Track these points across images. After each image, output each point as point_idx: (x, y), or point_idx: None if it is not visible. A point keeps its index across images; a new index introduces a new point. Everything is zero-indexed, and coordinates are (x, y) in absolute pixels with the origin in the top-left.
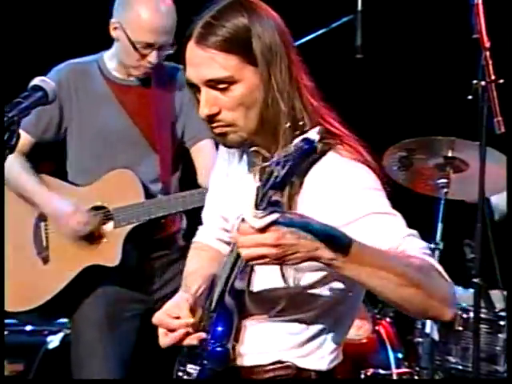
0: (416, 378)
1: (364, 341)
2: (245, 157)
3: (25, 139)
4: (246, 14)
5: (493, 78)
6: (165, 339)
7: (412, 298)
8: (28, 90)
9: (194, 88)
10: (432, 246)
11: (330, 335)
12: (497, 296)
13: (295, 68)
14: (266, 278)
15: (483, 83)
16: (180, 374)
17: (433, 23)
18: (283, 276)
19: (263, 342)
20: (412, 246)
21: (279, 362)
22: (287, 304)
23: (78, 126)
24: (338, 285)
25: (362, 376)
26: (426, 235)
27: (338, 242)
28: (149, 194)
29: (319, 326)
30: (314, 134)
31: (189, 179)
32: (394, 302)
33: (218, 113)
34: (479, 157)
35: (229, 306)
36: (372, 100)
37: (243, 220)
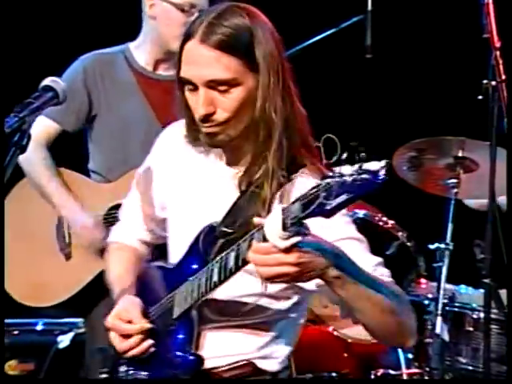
0: (426, 378)
1: (374, 341)
2: (192, 150)
3: (51, 128)
4: (248, 18)
5: (503, 77)
6: (122, 344)
7: (389, 324)
8: (39, 90)
9: (186, 86)
10: (442, 246)
11: (285, 339)
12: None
13: (288, 76)
14: (229, 287)
15: (493, 83)
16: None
17: (443, 23)
18: (263, 285)
19: (223, 346)
20: (384, 273)
21: (238, 361)
22: (249, 311)
23: (105, 115)
24: (293, 294)
25: (372, 376)
26: (436, 235)
27: (343, 262)
28: None
29: (276, 331)
30: (378, 167)
31: None
32: (371, 326)
33: (213, 113)
34: (490, 157)
35: (191, 313)
36: (382, 100)
37: (264, 239)
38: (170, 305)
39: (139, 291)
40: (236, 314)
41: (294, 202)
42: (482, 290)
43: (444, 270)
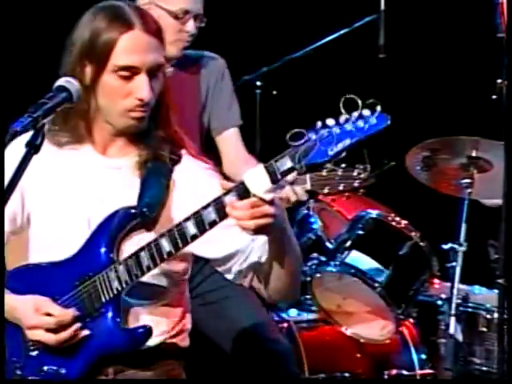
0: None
1: (387, 341)
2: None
3: None
4: None
5: None
6: (59, 336)
7: (297, 279)
8: (53, 90)
9: (118, 73)
10: (456, 246)
11: (188, 312)
12: None
13: None
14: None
15: (506, 82)
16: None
17: (456, 22)
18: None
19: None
20: None
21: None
22: (157, 292)
23: None
24: (187, 266)
25: (386, 376)
26: (450, 236)
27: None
28: None
29: (182, 306)
30: (374, 111)
31: None
32: (286, 280)
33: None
34: (504, 157)
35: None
36: (395, 99)
37: (241, 198)
38: (90, 291)
39: (31, 290)
40: (149, 297)
41: (280, 157)
42: (495, 291)
43: (457, 271)
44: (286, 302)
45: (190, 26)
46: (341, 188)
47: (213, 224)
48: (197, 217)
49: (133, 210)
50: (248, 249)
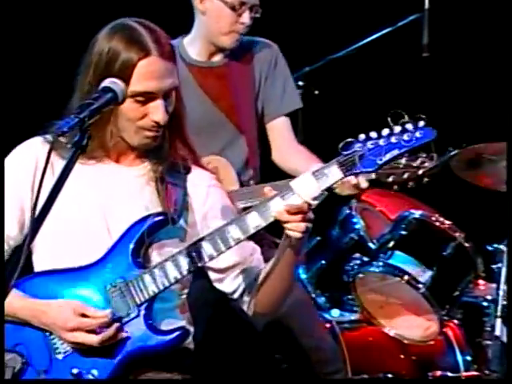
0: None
1: (431, 342)
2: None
3: None
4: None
5: None
6: (98, 337)
7: (285, 296)
8: (98, 91)
9: (134, 98)
10: (501, 247)
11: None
12: None
13: None
14: None
15: None
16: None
17: (501, 21)
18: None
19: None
20: None
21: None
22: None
23: None
24: None
25: (430, 378)
26: (495, 236)
27: None
28: (240, 181)
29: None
30: (419, 123)
31: None
32: (281, 293)
33: None
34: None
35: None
36: (439, 99)
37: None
38: (124, 294)
39: (54, 295)
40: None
41: (328, 165)
42: None
43: (503, 272)
44: (264, 318)
45: (246, 17)
46: (405, 177)
47: (257, 227)
48: (240, 221)
49: (162, 217)
50: (246, 262)
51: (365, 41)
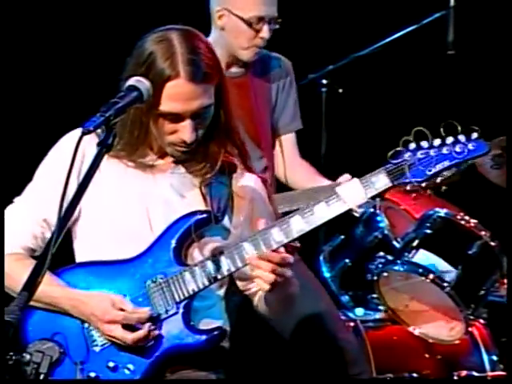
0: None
1: (456, 342)
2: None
3: None
4: (204, 39)
5: None
6: (134, 335)
7: None
8: (124, 90)
9: (166, 116)
10: None
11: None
12: None
13: None
14: None
15: None
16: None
17: None
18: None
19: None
20: None
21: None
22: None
23: None
24: None
25: (455, 377)
26: None
27: None
28: None
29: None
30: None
31: None
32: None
33: None
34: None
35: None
36: (464, 97)
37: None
38: (164, 290)
39: (94, 286)
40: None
41: (376, 173)
42: None
43: None
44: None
45: (265, 32)
46: (423, 185)
47: (301, 232)
48: (284, 224)
49: (206, 215)
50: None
51: (389, 39)
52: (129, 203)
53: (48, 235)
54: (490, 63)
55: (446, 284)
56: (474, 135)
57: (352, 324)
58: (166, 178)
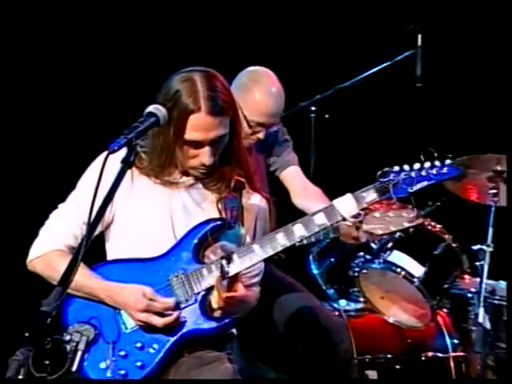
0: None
1: (424, 328)
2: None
3: None
4: (222, 79)
5: None
6: (163, 319)
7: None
8: (144, 115)
9: (189, 143)
10: (484, 247)
11: None
12: None
13: None
14: None
15: None
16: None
17: (484, 54)
18: None
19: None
20: None
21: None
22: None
23: None
24: None
25: (423, 358)
26: (479, 238)
27: None
28: None
29: None
30: (447, 162)
31: None
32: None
33: None
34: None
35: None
36: (430, 121)
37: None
38: (184, 283)
39: (124, 279)
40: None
41: (366, 189)
42: None
43: (485, 268)
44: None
45: (261, 134)
46: (392, 228)
47: (301, 237)
48: (287, 230)
49: (221, 221)
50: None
51: (367, 72)
52: (155, 211)
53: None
54: (453, 94)
55: (415, 279)
56: (448, 161)
57: (336, 313)
58: (187, 192)
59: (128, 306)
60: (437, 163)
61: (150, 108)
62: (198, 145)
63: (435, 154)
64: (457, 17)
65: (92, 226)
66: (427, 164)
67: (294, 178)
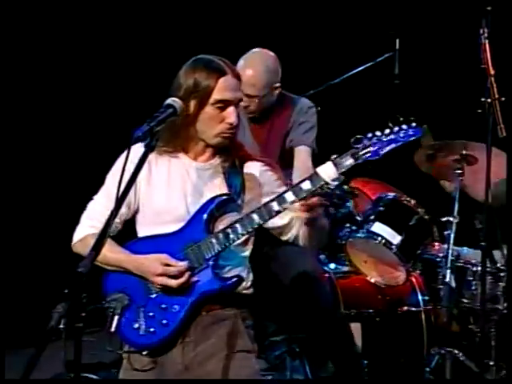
0: (438, 313)
1: (400, 287)
2: (161, 158)
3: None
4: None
5: (496, 96)
6: (177, 281)
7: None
8: (163, 106)
9: (216, 105)
10: (451, 218)
11: (251, 273)
12: (498, 255)
13: None
14: None
15: (489, 100)
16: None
17: (452, 56)
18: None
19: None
20: None
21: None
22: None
23: None
24: None
25: (399, 312)
26: (446, 211)
27: None
28: None
29: (248, 268)
30: (411, 124)
31: None
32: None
33: None
34: (486, 154)
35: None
36: (407, 114)
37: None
38: (196, 252)
39: (149, 252)
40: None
41: (344, 155)
42: (479, 251)
43: (452, 236)
44: (313, 248)
45: (252, 107)
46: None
47: (292, 203)
48: (280, 198)
49: (226, 197)
50: (294, 220)
51: (353, 71)
52: (173, 192)
53: (116, 221)
54: (426, 89)
55: (393, 246)
56: (413, 124)
57: (327, 275)
58: (198, 172)
59: (149, 273)
60: (404, 126)
61: (169, 100)
62: (225, 106)
63: (401, 119)
64: (428, 25)
65: (119, 202)
66: (396, 128)
67: (298, 156)
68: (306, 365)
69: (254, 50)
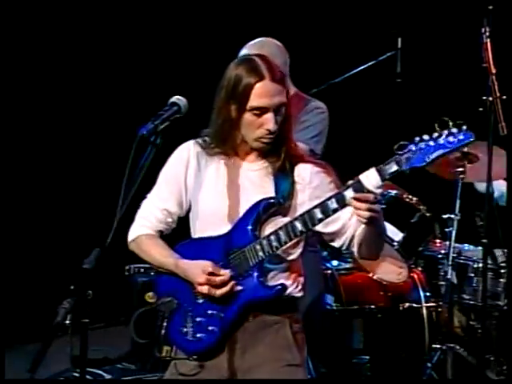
0: (440, 310)
1: (402, 283)
2: (211, 159)
3: None
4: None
5: (498, 94)
6: (221, 290)
7: (378, 247)
8: (167, 105)
9: (253, 112)
10: (452, 216)
11: (302, 277)
12: (499, 252)
13: None
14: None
15: (490, 98)
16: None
17: (453, 55)
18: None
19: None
20: None
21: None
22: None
23: None
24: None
25: (401, 308)
26: (448, 208)
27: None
28: None
29: (298, 272)
30: (462, 129)
31: None
32: (375, 246)
33: None
34: (487, 152)
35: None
36: (408, 111)
37: (357, 191)
38: (241, 258)
39: (196, 256)
40: (281, 264)
41: (388, 163)
42: (480, 248)
43: (453, 233)
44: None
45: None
46: None
47: (335, 211)
48: (323, 206)
49: (273, 200)
50: (347, 225)
51: (356, 70)
52: (222, 194)
53: (168, 220)
54: (427, 87)
55: (395, 243)
56: (464, 128)
57: (329, 271)
58: (246, 174)
59: (193, 281)
60: (453, 130)
61: (173, 98)
62: (262, 112)
63: (450, 123)
64: (431, 24)
65: (126, 195)
66: (445, 132)
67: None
68: (309, 361)
69: (261, 38)
